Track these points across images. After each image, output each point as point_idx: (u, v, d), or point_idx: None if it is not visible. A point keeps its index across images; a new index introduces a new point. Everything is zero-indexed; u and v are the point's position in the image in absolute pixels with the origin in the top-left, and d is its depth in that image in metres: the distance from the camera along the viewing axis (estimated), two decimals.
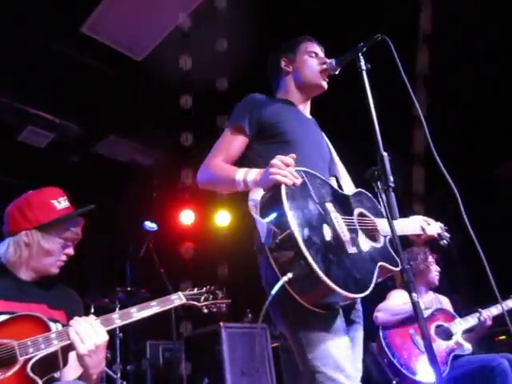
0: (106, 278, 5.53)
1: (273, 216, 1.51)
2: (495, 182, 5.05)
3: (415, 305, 1.35)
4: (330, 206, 1.63)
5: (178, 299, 1.78)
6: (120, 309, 3.78)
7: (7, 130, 4.77)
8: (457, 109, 4.52)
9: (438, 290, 3.46)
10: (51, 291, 1.80)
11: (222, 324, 4.31)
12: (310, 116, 2.08)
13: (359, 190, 1.90)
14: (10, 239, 1.75)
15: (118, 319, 1.62)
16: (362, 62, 1.66)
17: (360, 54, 1.68)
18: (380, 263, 1.64)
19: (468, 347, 3.03)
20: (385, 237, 1.77)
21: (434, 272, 3.37)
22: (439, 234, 2.14)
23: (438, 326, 3.12)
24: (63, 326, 1.66)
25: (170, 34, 4.00)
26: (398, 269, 1.68)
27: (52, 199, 1.79)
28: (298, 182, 1.54)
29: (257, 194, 1.61)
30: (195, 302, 1.85)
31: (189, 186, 5.73)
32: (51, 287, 1.82)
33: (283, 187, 1.51)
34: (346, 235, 1.58)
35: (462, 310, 3.30)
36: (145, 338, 4.77)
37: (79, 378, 1.56)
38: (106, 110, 4.71)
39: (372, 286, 1.55)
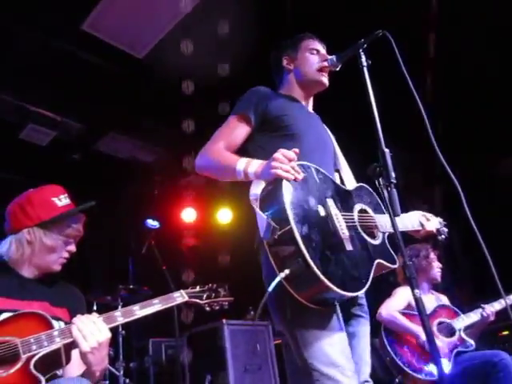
0: (108, 275, 5.54)
1: (272, 211, 1.50)
2: (496, 179, 5.03)
3: (418, 301, 1.35)
4: (330, 202, 1.62)
5: (180, 297, 1.78)
6: (122, 306, 3.80)
7: (9, 128, 4.77)
8: (458, 105, 4.51)
9: (440, 285, 3.45)
10: (53, 289, 1.81)
11: (224, 321, 4.31)
12: (313, 112, 2.08)
13: (360, 184, 1.89)
14: (11, 237, 1.76)
15: (120, 317, 1.62)
16: (363, 59, 1.65)
17: (361, 50, 1.67)
18: (377, 261, 1.64)
19: (471, 343, 3.03)
20: (383, 233, 1.77)
21: (436, 269, 3.36)
22: (438, 230, 2.14)
23: (440, 323, 3.11)
24: (66, 323, 1.67)
25: (171, 31, 3.99)
26: (394, 266, 1.70)
27: (53, 197, 1.79)
28: (300, 177, 1.53)
29: (258, 188, 1.60)
30: (197, 300, 1.85)
31: (190, 183, 5.73)
32: (53, 285, 1.82)
33: (284, 182, 1.50)
34: (344, 232, 1.58)
35: (464, 306, 3.30)
36: (147, 336, 4.78)
37: (82, 376, 1.57)
38: (106, 107, 4.71)
39: (368, 284, 1.55)
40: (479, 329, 3.16)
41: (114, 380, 3.98)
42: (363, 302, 1.84)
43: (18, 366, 1.44)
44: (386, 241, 1.78)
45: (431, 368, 2.85)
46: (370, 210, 1.79)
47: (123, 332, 4.15)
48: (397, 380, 2.91)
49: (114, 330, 1.62)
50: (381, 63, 1.74)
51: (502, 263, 1.60)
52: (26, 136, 4.93)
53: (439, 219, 2.19)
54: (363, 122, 1.62)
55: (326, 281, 1.40)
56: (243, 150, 1.83)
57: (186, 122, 4.85)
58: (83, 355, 1.50)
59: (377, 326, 3.01)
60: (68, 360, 1.54)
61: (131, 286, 4.31)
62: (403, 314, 3.07)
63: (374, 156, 1.51)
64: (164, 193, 6.02)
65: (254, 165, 1.63)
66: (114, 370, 3.98)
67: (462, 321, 3.11)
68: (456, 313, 3.20)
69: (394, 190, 1.46)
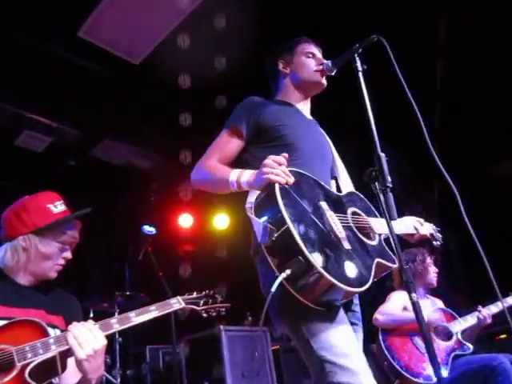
0: (104, 282, 5.51)
1: (268, 214, 1.50)
2: (492, 182, 5.05)
3: (415, 305, 1.35)
4: (324, 205, 1.62)
5: (176, 303, 1.78)
6: (119, 313, 3.77)
7: (4, 134, 4.77)
8: (457, 108, 4.52)
9: (436, 289, 3.45)
10: (49, 296, 1.80)
11: (222, 327, 4.29)
12: (310, 117, 2.06)
13: (351, 190, 1.89)
14: (7, 244, 1.75)
15: (116, 324, 1.61)
16: (358, 63, 1.66)
17: (356, 55, 1.67)
18: (377, 260, 1.63)
19: (469, 346, 3.03)
20: (379, 235, 1.77)
21: (433, 273, 3.36)
22: (432, 235, 2.14)
23: (437, 327, 3.11)
24: (62, 331, 1.65)
25: (167, 38, 4.00)
26: (394, 266, 1.68)
27: (48, 203, 1.78)
28: (291, 180, 1.54)
29: (253, 197, 1.61)
30: (194, 306, 1.84)
31: (187, 189, 5.73)
32: (49, 292, 1.81)
33: (277, 186, 1.51)
34: (341, 232, 1.57)
35: (461, 310, 3.30)
36: (144, 342, 4.75)
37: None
38: (102, 114, 4.70)
39: (371, 280, 1.53)
40: (475, 332, 3.16)
41: None
42: (357, 308, 1.83)
43: (13, 374, 1.43)
44: (383, 242, 1.77)
45: (429, 372, 2.84)
46: (362, 214, 1.80)
47: (120, 339, 4.13)
48: None
49: (110, 337, 1.61)
50: (376, 66, 1.75)
51: (498, 266, 1.60)
52: (22, 142, 4.93)
53: (432, 225, 2.19)
54: (360, 127, 1.62)
55: (328, 276, 1.38)
56: (241, 162, 1.84)
57: (183, 128, 4.85)
58: (79, 363, 1.49)
59: (373, 332, 3.00)
60: (64, 368, 1.53)
61: (128, 293, 4.28)
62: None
63: (371, 160, 1.51)
64: (160, 199, 6.02)
65: (246, 174, 1.65)
66: (110, 377, 3.94)
67: (460, 324, 3.11)
68: (453, 316, 3.19)
69: (390, 194, 1.46)
